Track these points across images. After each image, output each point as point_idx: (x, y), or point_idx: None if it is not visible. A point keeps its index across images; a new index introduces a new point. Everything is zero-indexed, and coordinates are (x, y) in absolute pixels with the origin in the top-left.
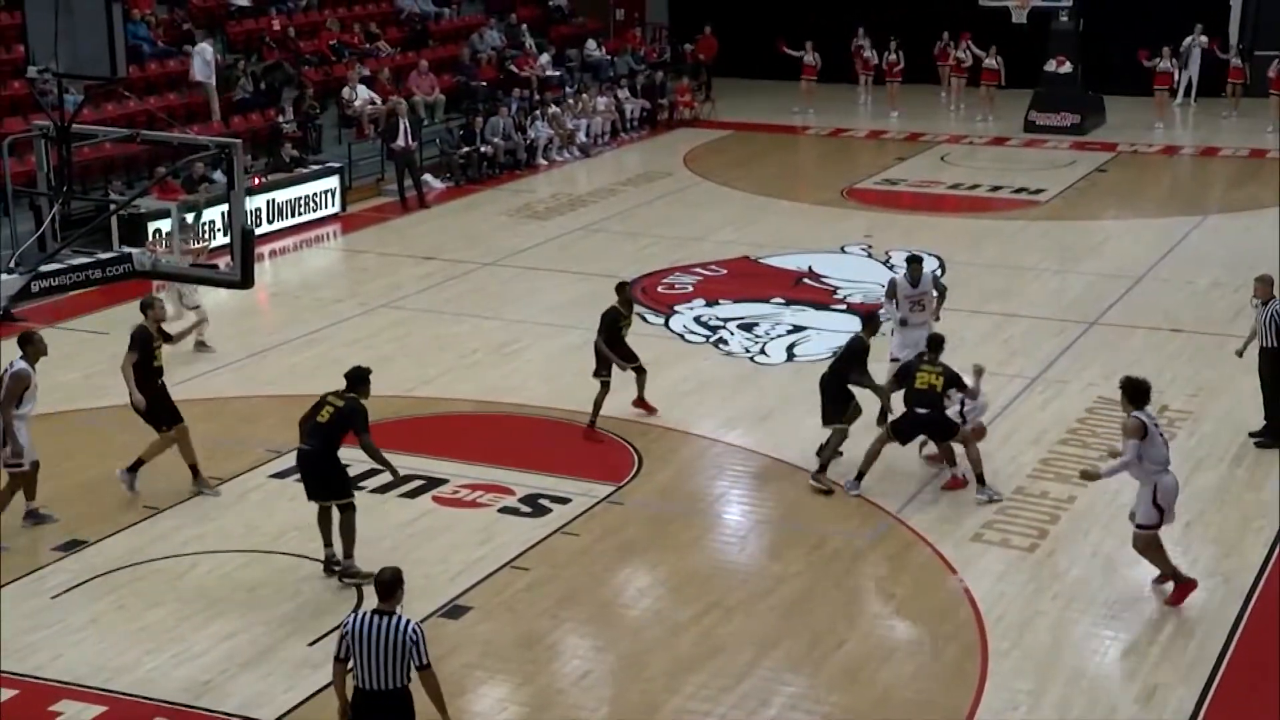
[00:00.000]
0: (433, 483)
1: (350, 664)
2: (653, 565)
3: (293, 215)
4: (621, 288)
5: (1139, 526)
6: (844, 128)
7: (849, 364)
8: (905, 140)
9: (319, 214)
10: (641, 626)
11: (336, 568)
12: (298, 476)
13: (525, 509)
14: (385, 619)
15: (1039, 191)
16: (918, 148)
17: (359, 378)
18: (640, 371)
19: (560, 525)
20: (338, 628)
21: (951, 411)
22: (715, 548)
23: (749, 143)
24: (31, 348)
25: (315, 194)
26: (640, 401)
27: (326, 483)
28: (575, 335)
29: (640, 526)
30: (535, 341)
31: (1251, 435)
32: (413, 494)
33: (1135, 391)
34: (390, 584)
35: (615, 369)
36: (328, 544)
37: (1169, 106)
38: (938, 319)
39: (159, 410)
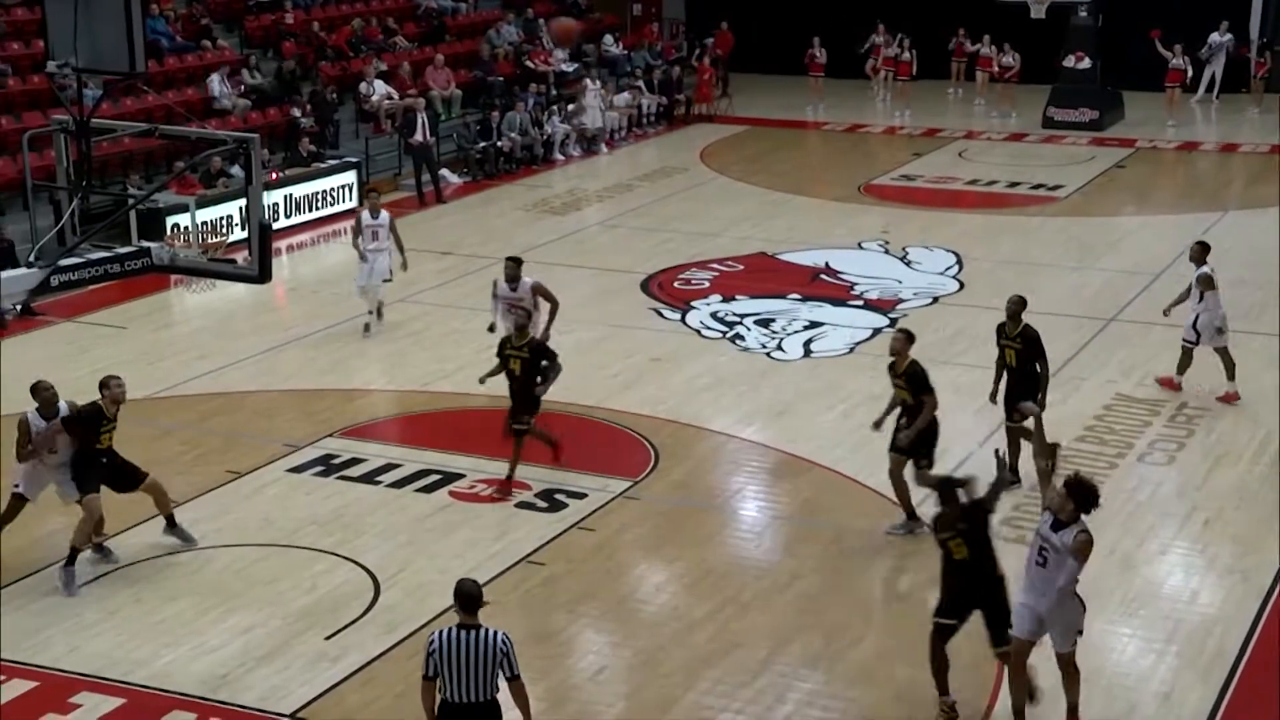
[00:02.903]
0: (449, 477)
1: (437, 681)
2: (669, 561)
3: (310, 210)
4: None
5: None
6: (860, 123)
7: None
8: (922, 136)
9: (336, 209)
10: (657, 622)
11: None
12: (315, 470)
13: (541, 504)
14: (472, 632)
15: (1057, 187)
16: (935, 143)
17: None
18: None
19: (576, 520)
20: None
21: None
22: (731, 543)
23: (765, 138)
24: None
25: (332, 189)
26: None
27: None
28: (591, 331)
29: (656, 522)
30: (552, 337)
31: None
32: (429, 489)
33: (1090, 496)
34: (476, 597)
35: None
36: None
37: (1183, 103)
38: (546, 335)
39: (119, 479)
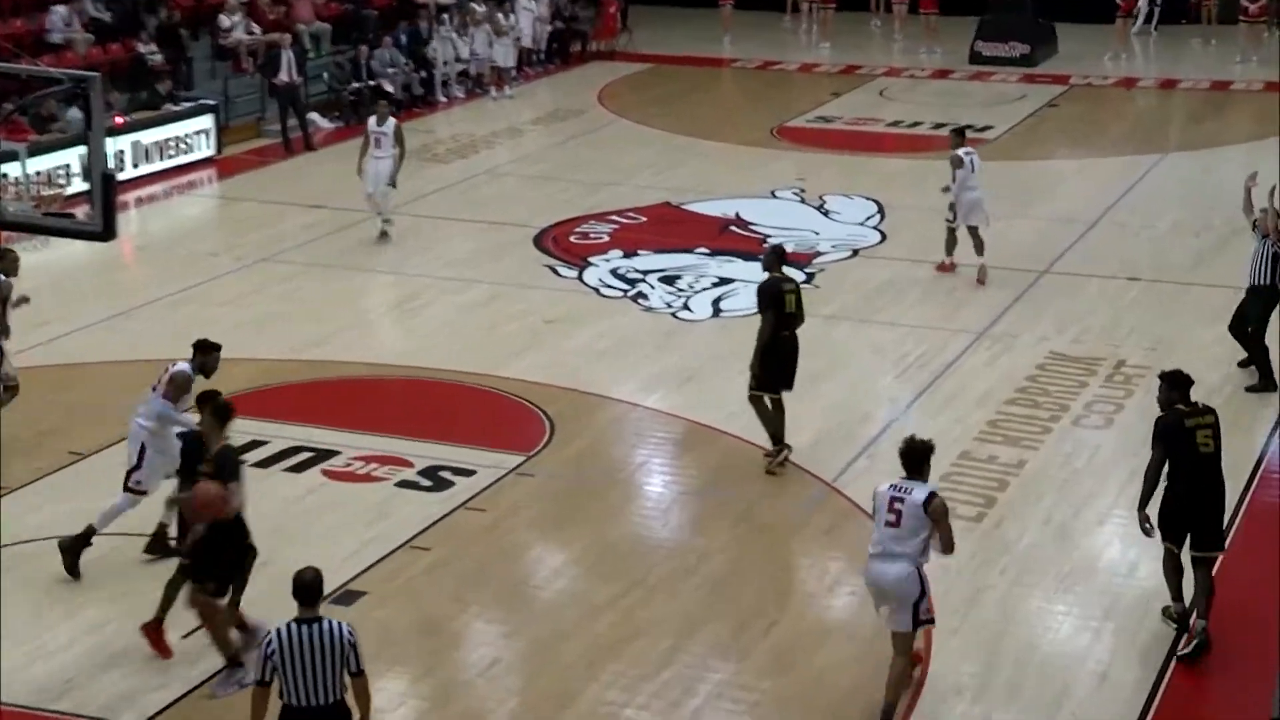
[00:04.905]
0: (322, 455)
1: (274, 685)
2: (566, 542)
3: (161, 158)
4: None
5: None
6: (773, 60)
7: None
8: (841, 74)
9: (191, 157)
10: (554, 609)
11: None
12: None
13: (425, 483)
14: (314, 626)
15: (986, 129)
16: (854, 82)
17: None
18: None
19: (464, 500)
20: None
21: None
22: (635, 522)
23: (670, 78)
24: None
25: (187, 135)
26: None
27: None
28: (479, 290)
29: (552, 500)
30: (437, 298)
31: (1248, 389)
32: (300, 467)
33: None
34: (316, 587)
35: None
36: None
37: (1129, 35)
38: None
39: None
